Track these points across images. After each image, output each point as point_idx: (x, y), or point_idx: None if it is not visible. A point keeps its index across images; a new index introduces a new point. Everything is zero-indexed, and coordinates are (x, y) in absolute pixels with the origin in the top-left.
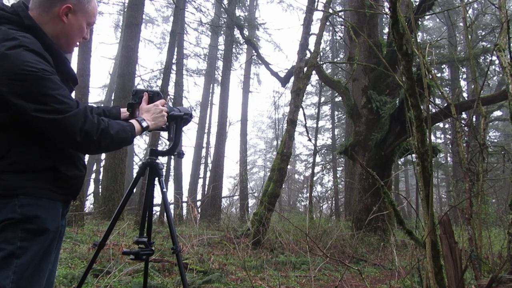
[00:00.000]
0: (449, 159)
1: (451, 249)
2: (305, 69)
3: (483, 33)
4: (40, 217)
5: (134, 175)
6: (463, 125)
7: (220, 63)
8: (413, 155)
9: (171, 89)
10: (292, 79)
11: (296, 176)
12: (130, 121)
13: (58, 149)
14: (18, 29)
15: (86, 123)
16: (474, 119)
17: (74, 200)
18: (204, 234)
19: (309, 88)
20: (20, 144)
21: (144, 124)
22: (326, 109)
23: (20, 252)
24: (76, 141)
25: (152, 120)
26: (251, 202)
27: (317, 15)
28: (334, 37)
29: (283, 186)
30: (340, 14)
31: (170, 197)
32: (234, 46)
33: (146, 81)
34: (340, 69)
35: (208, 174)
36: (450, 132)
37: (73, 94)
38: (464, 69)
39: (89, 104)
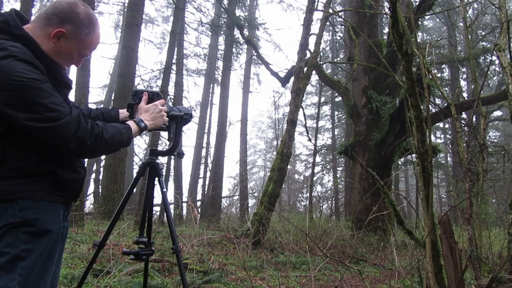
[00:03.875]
0: (449, 159)
1: (451, 249)
2: (305, 69)
3: (483, 33)
4: (40, 219)
5: (134, 175)
6: (463, 125)
7: (220, 63)
8: (413, 155)
9: (171, 89)
10: (292, 79)
11: (296, 176)
12: (127, 122)
13: (55, 154)
14: (8, 38)
15: (79, 130)
16: (474, 119)
17: (75, 202)
18: (204, 234)
19: (309, 88)
20: (16, 151)
21: (142, 124)
22: (326, 109)
23: (24, 254)
24: (70, 147)
25: (151, 120)
26: (251, 202)
27: (317, 15)
28: (334, 37)
29: (283, 186)
30: (340, 14)
31: (170, 197)
32: (234, 46)
33: (146, 81)
34: (340, 69)
35: (208, 174)
36: (450, 132)
37: (72, 97)
38: (464, 69)
39: (88, 106)
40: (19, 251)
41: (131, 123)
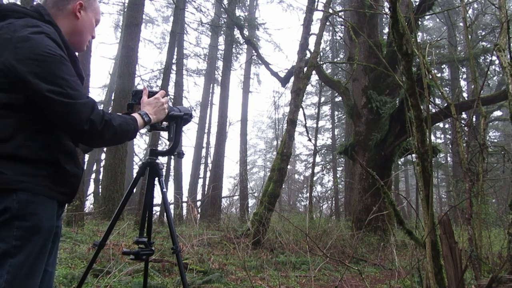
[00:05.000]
0: (449, 159)
1: (451, 249)
2: (305, 69)
3: (483, 33)
4: (36, 214)
5: (134, 175)
6: (463, 125)
7: (220, 63)
8: (413, 155)
9: (171, 89)
10: (292, 79)
11: (296, 176)
12: (133, 114)
13: (61, 143)
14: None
15: (93, 113)
16: (474, 119)
17: (69, 203)
18: (204, 234)
19: (309, 88)
20: (27, 129)
21: (147, 118)
22: (326, 109)
23: (14, 251)
24: (83, 129)
25: (154, 113)
26: (251, 202)
27: (317, 15)
28: (334, 37)
29: (283, 186)
30: (340, 14)
31: (170, 197)
32: (234, 46)
33: (146, 81)
34: (340, 69)
35: (208, 174)
36: (450, 132)
37: None
38: (464, 69)
39: None
40: (10, 247)
41: (136, 115)
